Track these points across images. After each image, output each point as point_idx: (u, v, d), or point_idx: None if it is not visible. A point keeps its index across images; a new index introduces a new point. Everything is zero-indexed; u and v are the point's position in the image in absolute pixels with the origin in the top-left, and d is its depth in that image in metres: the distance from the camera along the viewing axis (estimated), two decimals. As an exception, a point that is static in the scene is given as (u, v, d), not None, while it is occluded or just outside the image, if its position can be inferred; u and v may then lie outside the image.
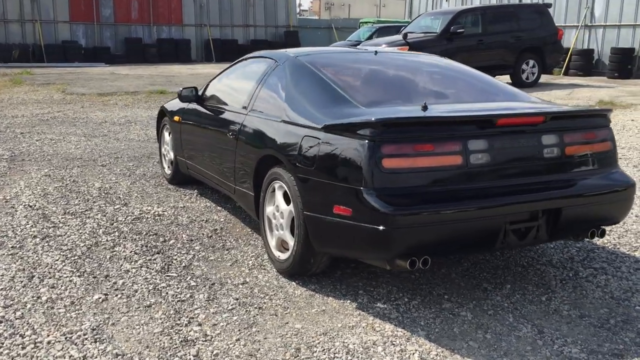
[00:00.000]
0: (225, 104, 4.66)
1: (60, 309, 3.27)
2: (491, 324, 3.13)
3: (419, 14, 27.30)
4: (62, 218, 4.82)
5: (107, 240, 4.32)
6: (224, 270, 3.82)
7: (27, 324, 3.10)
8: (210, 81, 5.11)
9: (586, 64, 19.05)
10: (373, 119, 2.98)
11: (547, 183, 3.22)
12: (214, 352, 2.83)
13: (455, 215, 2.95)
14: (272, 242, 3.81)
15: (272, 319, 3.18)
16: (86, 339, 2.95)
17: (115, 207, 5.12)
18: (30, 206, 5.14)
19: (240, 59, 4.93)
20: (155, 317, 3.18)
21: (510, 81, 14.16)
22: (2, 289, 3.52)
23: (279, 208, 3.68)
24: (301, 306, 3.33)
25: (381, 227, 2.89)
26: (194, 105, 5.13)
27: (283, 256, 3.69)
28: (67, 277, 3.69)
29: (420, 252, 2.97)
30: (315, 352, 2.84)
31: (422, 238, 2.94)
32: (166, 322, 3.13)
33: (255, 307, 3.31)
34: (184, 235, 4.43)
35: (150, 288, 3.54)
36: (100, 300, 3.39)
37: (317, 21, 33.30)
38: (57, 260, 3.95)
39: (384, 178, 2.95)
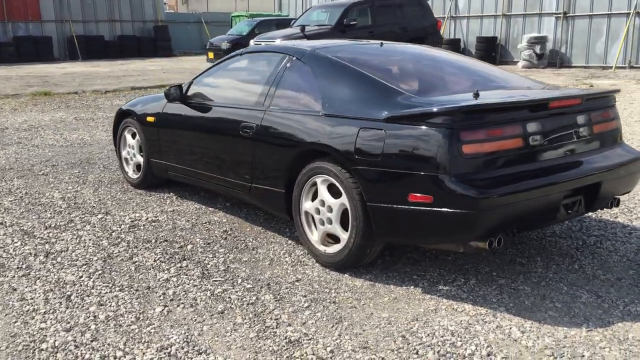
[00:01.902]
0: (227, 102, 4.52)
1: (130, 325, 3.08)
2: (551, 295, 3.38)
3: (288, 7, 27.60)
4: (48, 233, 4.46)
5: (119, 252, 4.08)
6: (267, 270, 3.76)
7: (108, 344, 2.89)
8: (193, 80, 4.93)
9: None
10: (452, 106, 3.10)
11: (586, 159, 3.52)
12: (329, 349, 2.82)
13: (529, 194, 3.14)
14: (314, 237, 3.80)
15: (354, 311, 3.21)
16: (187, 352, 2.81)
17: (99, 217, 4.80)
18: (2, 223, 4.68)
19: (229, 56, 4.79)
20: (239, 323, 3.09)
21: (399, 70, 14.79)
22: (45, 312, 3.23)
23: (324, 202, 3.68)
24: (370, 296, 3.38)
25: (469, 211, 3.02)
26: (177, 105, 4.93)
27: (330, 250, 3.71)
28: (108, 292, 3.45)
29: (498, 231, 3.14)
30: (422, 337, 2.92)
31: (502, 218, 3.11)
32: (254, 326, 3.05)
33: (330, 302, 3.31)
34: (198, 240, 4.28)
35: (208, 295, 3.41)
36: (166, 312, 3.22)
37: (186, 15, 32.45)
38: (81, 276, 3.68)
39: (464, 164, 3.08)
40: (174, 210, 4.94)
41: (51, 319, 3.15)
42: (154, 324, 3.09)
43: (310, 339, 2.91)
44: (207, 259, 3.95)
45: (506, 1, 19.67)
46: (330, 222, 3.67)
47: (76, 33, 25.95)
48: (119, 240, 4.30)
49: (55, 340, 2.92)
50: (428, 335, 2.94)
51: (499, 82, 4.00)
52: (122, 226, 4.59)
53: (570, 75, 16.02)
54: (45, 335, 2.98)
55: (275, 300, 3.33)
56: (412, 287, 3.49)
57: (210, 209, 4.98)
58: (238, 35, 20.33)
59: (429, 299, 3.33)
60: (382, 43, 4.49)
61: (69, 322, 3.11)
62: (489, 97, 3.45)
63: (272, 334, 2.97)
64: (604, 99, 3.76)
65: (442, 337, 2.92)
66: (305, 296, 3.38)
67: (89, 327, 3.06)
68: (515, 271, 3.69)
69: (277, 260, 3.91)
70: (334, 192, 3.65)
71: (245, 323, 3.09)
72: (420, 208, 3.18)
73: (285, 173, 3.92)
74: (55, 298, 3.40)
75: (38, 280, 3.64)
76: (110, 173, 6.22)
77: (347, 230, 3.60)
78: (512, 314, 3.14)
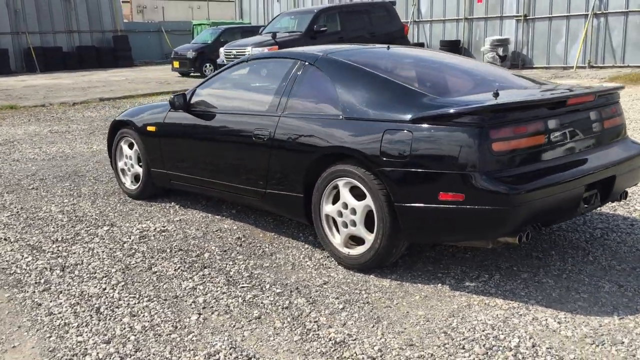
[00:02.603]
0: (236, 109, 4.52)
1: (170, 334, 3.05)
2: (575, 286, 3.48)
3: (249, 14, 27.59)
4: (57, 247, 4.37)
5: (136, 262, 4.03)
6: (291, 274, 3.77)
7: (154, 354, 2.87)
8: (196, 88, 4.90)
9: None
10: (482, 106, 3.18)
11: (600, 153, 3.64)
12: (376, 348, 2.86)
13: (556, 188, 3.24)
14: (337, 240, 3.83)
15: (390, 310, 3.25)
16: (236, 357, 2.81)
17: (105, 229, 4.74)
18: (6, 239, 4.58)
19: (233, 63, 4.79)
20: (279, 327, 3.10)
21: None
22: (78, 325, 3.18)
23: (347, 205, 3.71)
24: (401, 295, 3.43)
25: (501, 207, 3.10)
26: (180, 114, 4.90)
27: (355, 252, 3.74)
28: (137, 303, 3.42)
29: (526, 226, 3.23)
30: (463, 332, 2.98)
31: (531, 213, 3.19)
32: (295, 329, 3.06)
33: (363, 303, 3.34)
34: (213, 248, 4.26)
35: (239, 301, 3.41)
36: (202, 319, 3.21)
37: (145, 24, 32.05)
38: (104, 289, 3.63)
39: (494, 161, 3.16)
40: (180, 220, 4.90)
41: (87, 332, 3.10)
42: (193, 331, 3.08)
43: (355, 339, 2.94)
44: (227, 266, 3.93)
45: (468, 5, 20.06)
46: (354, 224, 3.71)
47: (33, 45, 25.39)
48: (133, 251, 4.25)
49: (97, 353, 2.88)
50: (469, 330, 3.00)
51: (505, 81, 4.10)
52: (132, 237, 4.53)
53: (533, 76, 16.38)
54: (86, 349, 2.93)
55: (309, 304, 3.35)
56: (439, 284, 3.55)
57: (217, 216, 4.96)
58: (203, 43, 20.24)
59: (459, 296, 3.40)
60: (388, 46, 4.56)
61: (105, 334, 3.07)
62: (507, 96, 3.54)
63: (316, 336, 2.99)
64: (611, 95, 3.89)
65: (483, 331, 2.98)
66: (337, 298, 3.41)
67: (129, 338, 3.03)
68: (534, 265, 3.78)
69: (299, 265, 3.92)
70: (355, 194, 3.69)
71: (285, 327, 3.10)
72: (451, 206, 3.25)
73: (303, 177, 3.94)
74: (84, 311, 3.34)
75: (61, 295, 3.57)
76: (104, 185, 6.13)
77: (371, 232, 3.64)
78: (544, 306, 3.23)
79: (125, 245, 4.37)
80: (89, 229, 4.76)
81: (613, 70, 16.31)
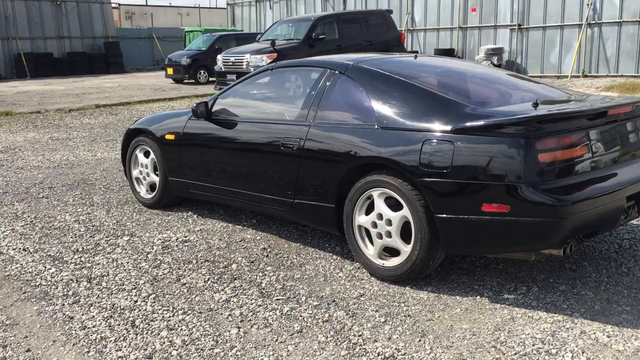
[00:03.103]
0: (262, 117, 4.47)
1: (213, 348, 2.99)
2: (616, 298, 3.45)
3: (241, 22, 27.56)
4: (79, 258, 4.28)
5: (163, 274, 3.95)
6: (325, 286, 3.71)
7: (200, 370, 2.79)
8: (217, 96, 4.83)
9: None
10: (528, 116, 3.14)
11: (637, 165, 3.61)
12: (428, 363, 2.80)
13: (602, 199, 3.21)
14: (370, 251, 3.78)
15: (433, 323, 3.20)
16: (286, 374, 2.74)
17: (125, 239, 4.65)
18: (25, 250, 4.48)
19: (257, 72, 4.72)
20: (323, 341, 3.04)
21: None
22: (115, 339, 3.10)
23: (382, 216, 3.66)
24: (441, 308, 3.38)
25: (549, 219, 3.06)
26: (201, 122, 4.82)
27: (390, 263, 3.69)
28: (172, 316, 3.34)
29: (571, 238, 3.19)
30: (513, 346, 2.94)
31: (577, 224, 3.16)
32: (340, 344, 3.00)
33: (404, 316, 3.29)
34: (240, 259, 4.19)
35: (277, 314, 3.34)
36: (242, 333, 3.14)
37: (136, 31, 31.87)
38: (136, 301, 3.55)
39: (540, 172, 3.13)
40: (201, 230, 4.82)
41: (126, 347, 3.02)
42: (236, 346, 3.01)
43: (404, 354, 2.88)
44: (258, 277, 3.86)
45: (462, 14, 20.16)
46: (389, 235, 3.66)
47: (24, 50, 25.15)
48: (158, 262, 4.16)
49: (141, 369, 2.80)
50: (519, 344, 2.95)
51: (537, 92, 4.07)
52: (154, 247, 4.45)
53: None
54: (129, 364, 2.85)
55: (349, 317, 3.29)
56: (477, 297, 3.50)
57: (238, 226, 4.89)
58: (197, 50, 20.15)
59: (500, 309, 3.35)
60: (415, 56, 4.53)
61: (145, 349, 2.99)
62: (548, 107, 3.51)
63: (363, 351, 2.93)
64: (643, 106, 3.88)
65: (533, 345, 2.93)
66: (377, 311, 3.35)
67: (170, 352, 2.95)
68: (570, 277, 3.75)
69: (330, 276, 3.86)
70: (389, 204, 3.64)
71: (330, 341, 3.03)
72: (495, 218, 3.21)
73: (335, 188, 3.88)
74: (119, 324, 3.26)
75: (92, 307, 3.48)
76: (115, 194, 6.03)
77: (407, 243, 3.59)
78: (589, 319, 3.19)
79: (149, 255, 4.29)
80: (108, 239, 4.67)
81: (607, 79, 16.44)
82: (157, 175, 5.36)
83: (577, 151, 3.28)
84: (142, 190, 5.55)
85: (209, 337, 3.11)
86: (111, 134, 10.13)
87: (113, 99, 15.70)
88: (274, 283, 3.77)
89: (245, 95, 4.78)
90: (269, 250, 4.35)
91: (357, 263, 4.02)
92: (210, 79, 19.81)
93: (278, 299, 3.54)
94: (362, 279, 3.80)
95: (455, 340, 3.01)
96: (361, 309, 3.38)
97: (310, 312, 3.36)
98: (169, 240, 4.59)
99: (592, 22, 17.53)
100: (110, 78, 23.70)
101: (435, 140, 3.40)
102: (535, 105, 3.44)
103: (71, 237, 4.73)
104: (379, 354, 2.89)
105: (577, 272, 3.83)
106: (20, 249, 4.51)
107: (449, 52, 20.11)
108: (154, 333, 3.16)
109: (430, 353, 2.89)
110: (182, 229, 4.85)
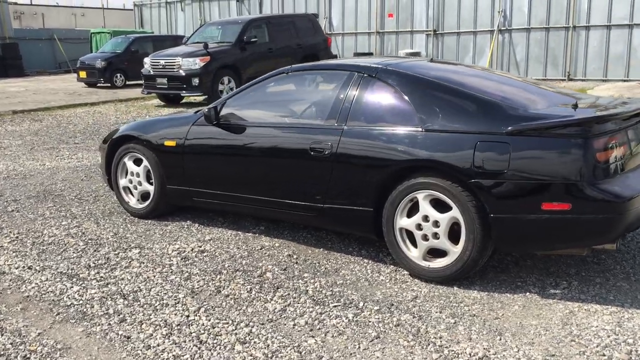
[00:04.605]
0: (284, 122, 4.39)
1: (302, 361, 2.90)
2: (651, 288, 3.67)
3: (150, 24, 26.79)
4: (96, 274, 4.03)
5: (199, 286, 3.79)
6: (374, 290, 3.70)
7: (303, 383, 2.70)
8: (225, 101, 4.67)
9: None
10: (587, 117, 3.29)
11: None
12: (519, 358, 2.86)
13: (650, 195, 3.40)
14: (415, 254, 3.80)
15: (501, 321, 3.27)
16: (393, 380, 2.71)
17: (136, 252, 4.42)
18: (30, 267, 4.16)
19: (270, 75, 4.59)
20: (407, 345, 3.03)
21: (295, 87, 14.96)
22: (191, 357, 2.94)
23: (428, 218, 3.70)
24: (499, 306, 3.46)
25: (611, 215, 3.22)
26: (206, 127, 4.66)
27: (436, 264, 3.74)
28: (236, 329, 3.22)
29: (627, 232, 3.37)
30: (591, 339, 3.06)
31: (632, 220, 3.33)
32: (426, 347, 3.01)
33: (470, 315, 3.35)
34: (270, 267, 4.09)
35: (345, 321, 3.30)
36: (321, 342, 3.08)
37: (37, 32, 30.09)
38: (188, 316, 3.39)
39: (598, 171, 3.28)
40: (212, 239, 4.66)
41: (207, 365, 2.87)
42: (323, 356, 2.94)
43: (494, 354, 2.93)
44: (300, 285, 3.79)
45: (379, 19, 20.62)
46: (435, 237, 3.70)
47: None
48: (186, 273, 3.99)
49: (241, 386, 2.68)
50: (594, 336, 3.08)
51: (556, 95, 4.25)
52: (173, 259, 4.25)
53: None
54: (224, 382, 2.72)
55: (418, 319, 3.30)
56: (526, 293, 3.61)
57: (249, 234, 4.76)
58: (112, 53, 19.38)
59: (554, 304, 3.48)
60: (431, 59, 4.59)
61: (230, 366, 2.86)
62: (585, 109, 3.68)
63: (453, 353, 2.95)
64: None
65: (608, 337, 3.07)
66: (440, 312, 3.38)
67: (260, 368, 2.84)
68: (597, 270, 3.95)
69: (373, 280, 3.85)
70: (433, 206, 3.68)
71: (414, 345, 3.03)
72: (555, 216, 3.32)
73: (374, 191, 3.88)
74: (184, 341, 3.10)
75: (144, 325, 3.29)
76: (93, 205, 5.70)
77: (455, 244, 3.64)
78: (637, 309, 3.37)
79: (172, 267, 4.09)
80: (117, 252, 4.41)
81: (520, 83, 17.35)
82: (150, 184, 5.11)
83: (621, 150, 3.47)
84: (132, 200, 5.28)
85: (289, 348, 3.02)
86: (47, 141, 9.55)
87: (28, 104, 14.79)
88: (321, 290, 3.71)
89: (258, 99, 4.66)
90: (295, 257, 4.27)
91: (392, 265, 4.04)
92: (128, 82, 19.11)
93: (335, 306, 3.49)
94: (406, 282, 3.82)
95: (533, 337, 3.09)
96: (424, 311, 3.40)
97: (377, 317, 3.34)
98: (184, 252, 4.40)
99: (502, 28, 18.45)
100: (12, 82, 22.28)
101: (489, 142, 3.48)
102: (575, 107, 3.60)
103: (73, 252, 4.43)
104: (471, 355, 2.92)
105: (601, 265, 4.04)
106: (22, 266, 4.17)
107: (367, 56, 20.49)
108: (228, 348, 3.03)
109: (518, 351, 2.95)
110: (191, 239, 4.66)
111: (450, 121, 3.67)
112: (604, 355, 2.90)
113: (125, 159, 5.24)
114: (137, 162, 5.18)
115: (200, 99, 14.62)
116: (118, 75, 18.94)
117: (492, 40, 18.51)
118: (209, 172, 4.70)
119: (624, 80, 16.40)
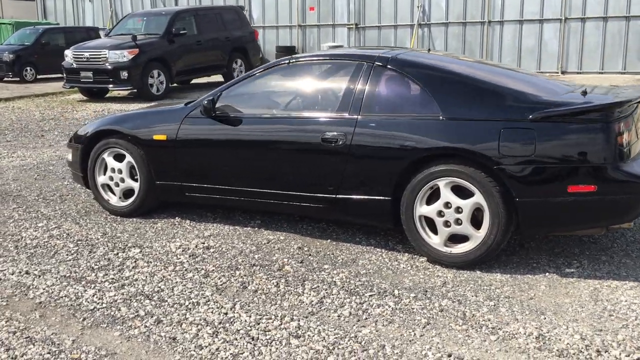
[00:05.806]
0: (290, 113, 4.31)
1: (365, 350, 2.87)
2: (652, 263, 3.92)
3: (55, 14, 25.50)
4: (104, 275, 3.82)
5: (222, 283, 3.68)
6: (402, 278, 3.73)
7: (379, 373, 2.69)
8: (220, 93, 4.51)
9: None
10: (609, 102, 3.46)
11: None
12: (577, 337, 2.97)
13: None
14: (436, 240, 3.86)
15: (535, 302, 3.39)
16: (467, 364, 2.74)
17: (136, 251, 4.22)
18: (27, 272, 3.89)
19: (265, 67, 4.49)
20: (460, 329, 3.08)
21: (224, 80, 14.73)
22: (250, 353, 2.86)
23: (449, 204, 3.76)
24: (526, 288, 3.58)
25: (634, 195, 3.41)
26: (204, 120, 4.50)
27: (458, 250, 3.81)
28: (282, 324, 3.15)
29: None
30: (626, 312, 3.22)
31: (648, 200, 3.54)
32: (480, 330, 3.07)
33: (505, 297, 3.44)
34: (285, 260, 4.02)
35: (387, 310, 3.31)
36: (376, 331, 3.07)
37: None
38: (226, 313, 3.28)
39: (620, 154, 3.46)
40: (212, 235, 4.51)
41: (271, 359, 2.79)
42: (385, 344, 2.93)
43: (548, 332, 3.03)
44: (327, 277, 3.75)
45: (300, 13, 20.62)
46: (457, 222, 3.76)
47: None
48: (202, 271, 3.85)
49: (320, 380, 2.63)
50: (629, 310, 3.25)
51: (558, 84, 4.41)
52: (181, 257, 4.09)
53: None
54: (300, 378, 2.65)
55: (459, 304, 3.35)
56: (546, 274, 3.75)
57: (248, 228, 4.65)
58: (21, 45, 18.27)
59: (576, 282, 3.63)
60: (429, 49, 4.65)
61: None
62: (595, 95, 3.86)
63: (510, 335, 3.02)
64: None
65: (636, 309, 3.24)
66: (476, 296, 3.46)
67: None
68: (597, 248, 4.15)
69: (395, 269, 3.87)
70: (456, 192, 3.75)
71: (469, 329, 3.08)
72: (580, 198, 3.47)
73: (393, 181, 3.89)
74: (236, 339, 3.00)
75: (184, 324, 3.15)
76: (63, 204, 5.38)
77: (477, 229, 3.73)
78: (654, 284, 3.60)
79: (185, 265, 3.94)
80: (116, 252, 4.19)
81: (441, 75, 17.92)
82: (135, 180, 4.88)
83: (630, 134, 3.67)
84: (113, 198, 5.02)
85: (347, 339, 2.99)
86: (-24, 139, 8.89)
87: (-64, 100, 13.68)
88: (349, 280, 3.69)
89: (259, 90, 4.55)
90: (306, 249, 4.21)
91: (407, 253, 4.07)
92: (39, 76, 18.10)
93: (371, 295, 3.48)
94: (428, 268, 3.87)
95: (574, 315, 3.22)
96: (460, 296, 3.46)
97: (418, 304, 3.36)
98: (189, 249, 4.23)
99: (422, 22, 18.96)
100: None
101: (514, 129, 3.58)
102: (584, 93, 3.77)
103: (67, 255, 4.16)
104: (527, 335, 3.00)
105: (598, 243, 4.25)
106: (18, 272, 3.88)
107: (290, 50, 20.44)
108: (284, 343, 2.96)
109: (568, 329, 3.06)
110: (190, 236, 4.50)
111: (472, 109, 3.74)
112: (645, 327, 3.07)
113: (105, 155, 4.97)
114: (119, 157, 4.93)
115: (125, 93, 14.09)
116: (28, 68, 17.89)
117: (412, 34, 18.97)
118: (207, 166, 4.54)
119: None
